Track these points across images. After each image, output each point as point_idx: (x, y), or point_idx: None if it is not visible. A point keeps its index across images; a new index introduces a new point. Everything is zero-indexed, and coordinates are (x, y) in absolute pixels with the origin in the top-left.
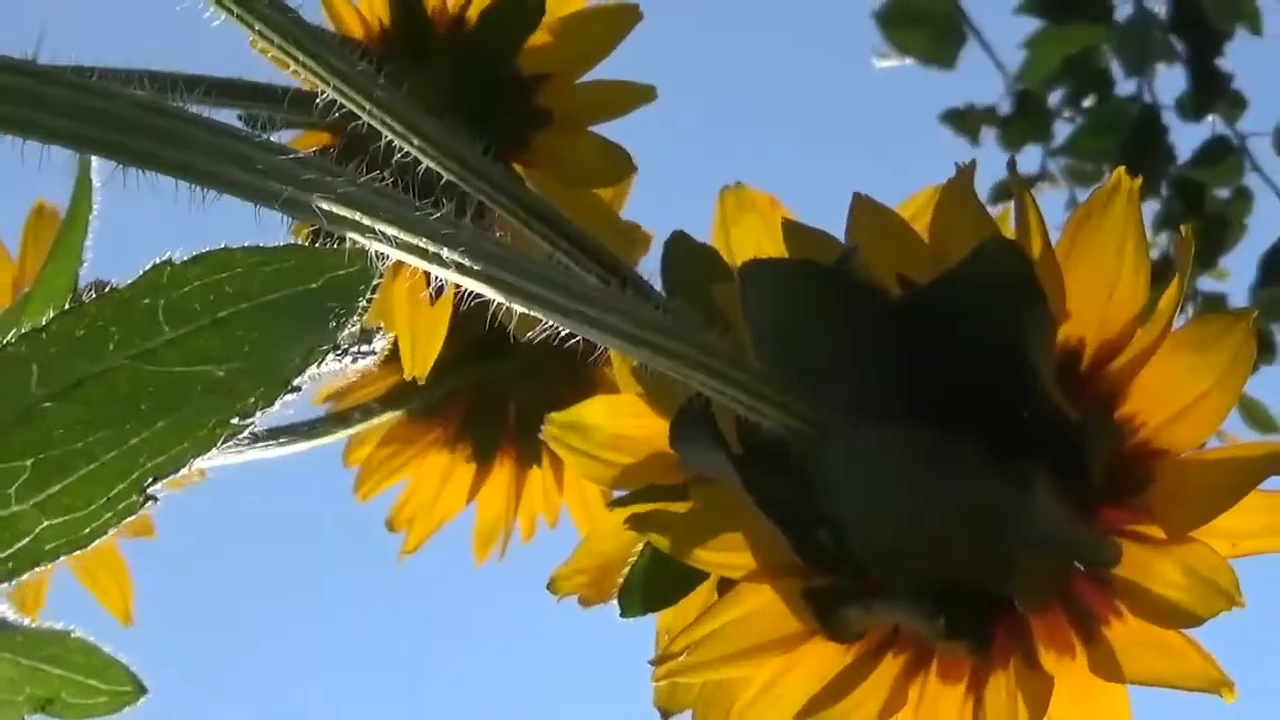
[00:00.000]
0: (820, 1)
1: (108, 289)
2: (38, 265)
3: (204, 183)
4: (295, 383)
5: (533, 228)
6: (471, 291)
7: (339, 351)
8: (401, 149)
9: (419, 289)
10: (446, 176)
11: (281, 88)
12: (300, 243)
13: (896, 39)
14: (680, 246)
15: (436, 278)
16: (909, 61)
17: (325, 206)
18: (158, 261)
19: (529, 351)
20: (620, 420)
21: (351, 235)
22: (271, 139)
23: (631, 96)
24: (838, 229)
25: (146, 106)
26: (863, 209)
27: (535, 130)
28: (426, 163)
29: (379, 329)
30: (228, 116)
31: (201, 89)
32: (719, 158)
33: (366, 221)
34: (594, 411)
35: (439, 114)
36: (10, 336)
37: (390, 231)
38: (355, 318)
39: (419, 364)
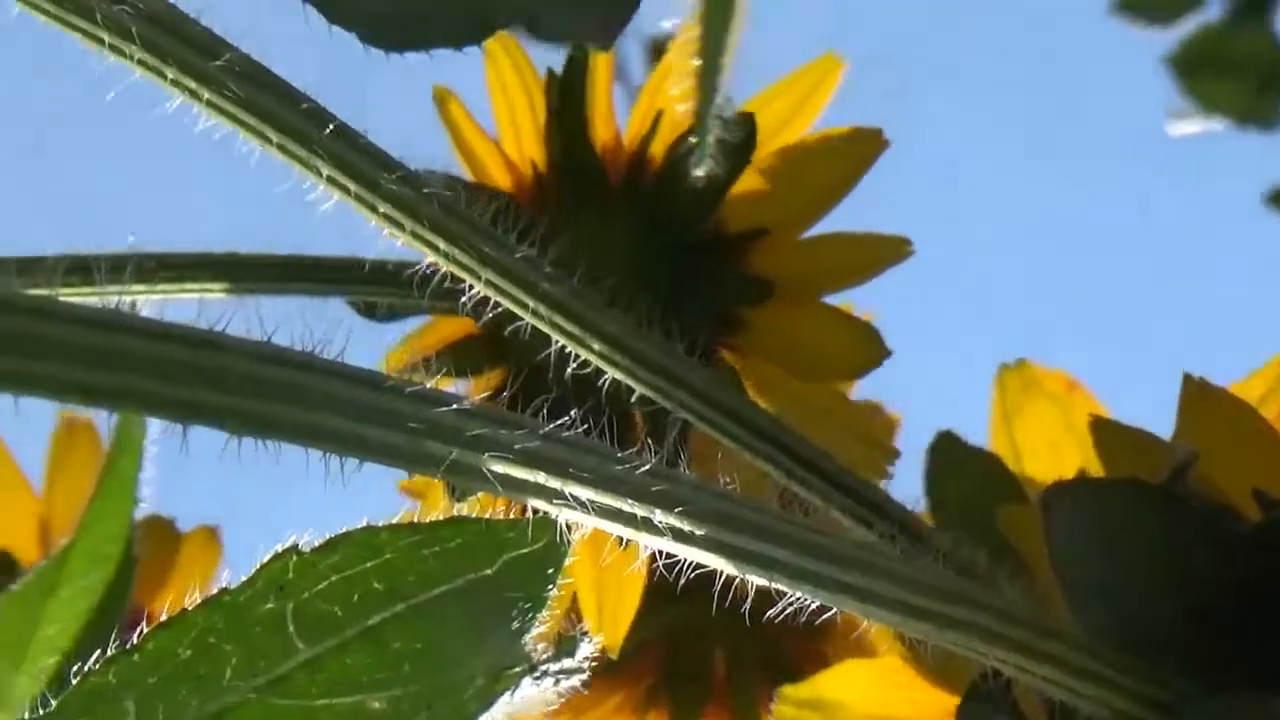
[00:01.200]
0: (1094, 46)
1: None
2: (71, 499)
3: (340, 449)
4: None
5: (756, 450)
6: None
7: (535, 674)
8: (577, 357)
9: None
10: (638, 389)
11: (410, 268)
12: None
13: (1200, 92)
14: (948, 452)
15: None
16: (1217, 123)
17: (500, 469)
18: (279, 549)
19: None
20: (877, 695)
21: (535, 502)
22: (424, 385)
23: (882, 252)
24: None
25: (259, 357)
26: (1197, 397)
27: (750, 307)
28: (611, 373)
29: (582, 632)
30: (337, 305)
31: (302, 271)
32: (965, 281)
33: (554, 484)
34: (840, 684)
35: (616, 291)
36: (94, 661)
37: (585, 495)
38: (543, 611)
39: (611, 631)
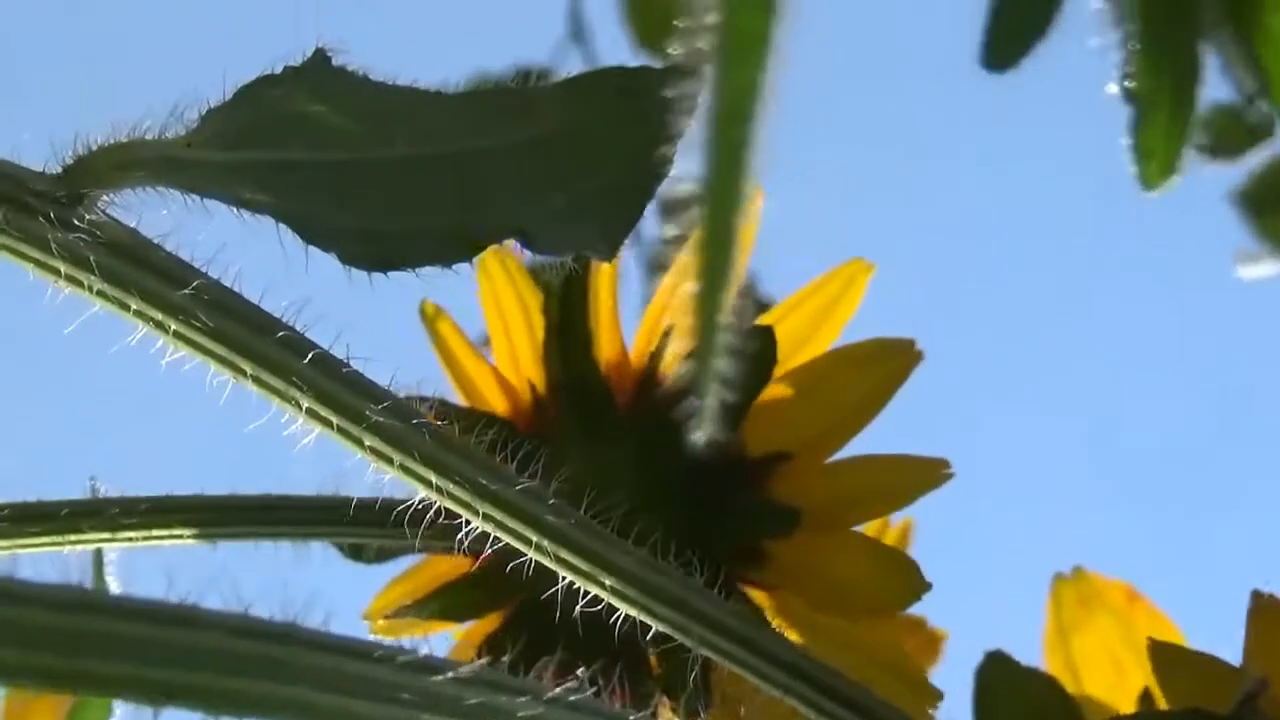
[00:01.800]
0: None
1: None
2: None
3: None
4: None
5: (787, 688)
6: None
7: None
8: (586, 593)
9: None
10: (655, 625)
11: (400, 505)
12: None
13: (1271, 230)
14: (1000, 674)
15: None
16: None
17: None
18: None
19: None
20: None
21: None
22: (417, 652)
23: (919, 476)
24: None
25: (236, 631)
26: (1266, 614)
27: (774, 538)
28: (624, 609)
29: None
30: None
31: (281, 513)
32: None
33: None
34: None
35: (627, 522)
36: None
37: None
38: None
39: None
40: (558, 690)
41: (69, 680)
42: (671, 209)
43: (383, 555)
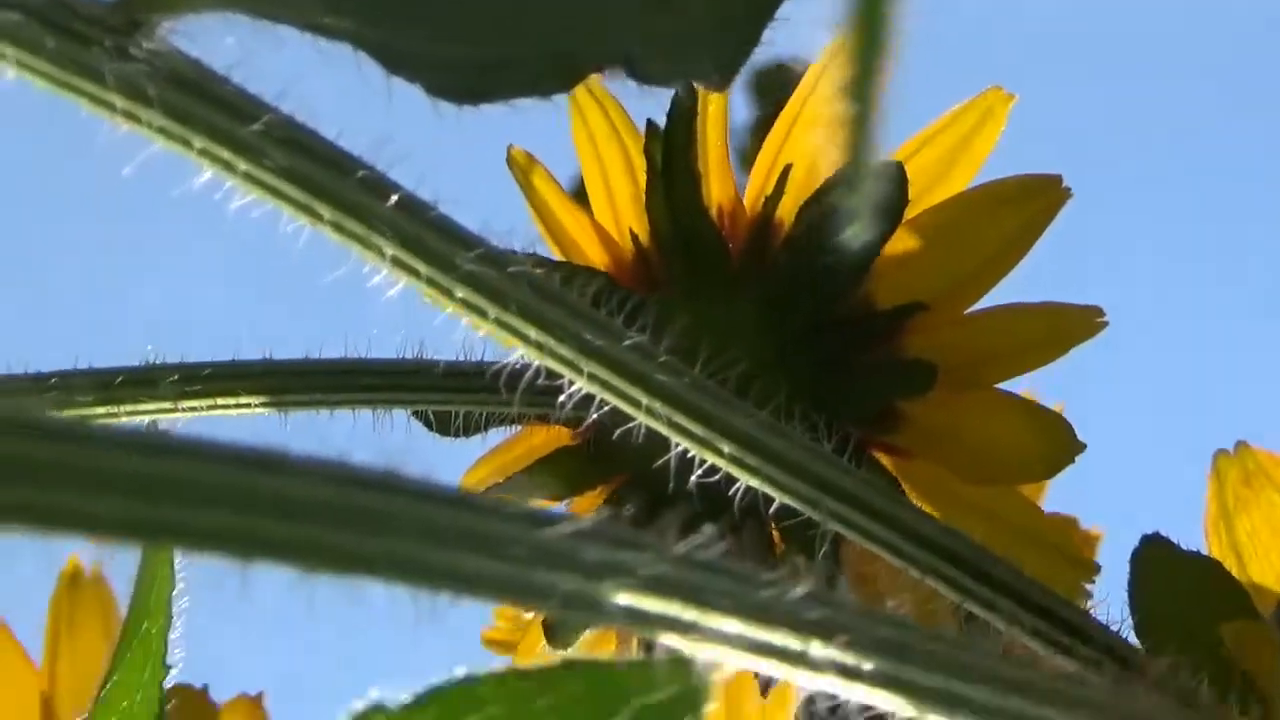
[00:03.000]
0: None
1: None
2: (80, 670)
3: (432, 584)
4: None
5: (926, 566)
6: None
7: None
8: (702, 462)
9: (745, 682)
10: (779, 497)
11: (490, 369)
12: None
13: None
14: (1158, 560)
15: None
16: None
17: (625, 601)
18: (362, 708)
19: None
20: None
21: (667, 639)
22: (530, 508)
23: (1068, 327)
24: None
25: (331, 479)
26: None
27: (908, 398)
28: (745, 479)
29: None
30: (402, 425)
31: (359, 378)
32: None
33: (690, 616)
34: None
35: (746, 382)
36: None
37: (728, 627)
38: None
39: None
40: (684, 547)
41: (148, 531)
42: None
43: (471, 427)
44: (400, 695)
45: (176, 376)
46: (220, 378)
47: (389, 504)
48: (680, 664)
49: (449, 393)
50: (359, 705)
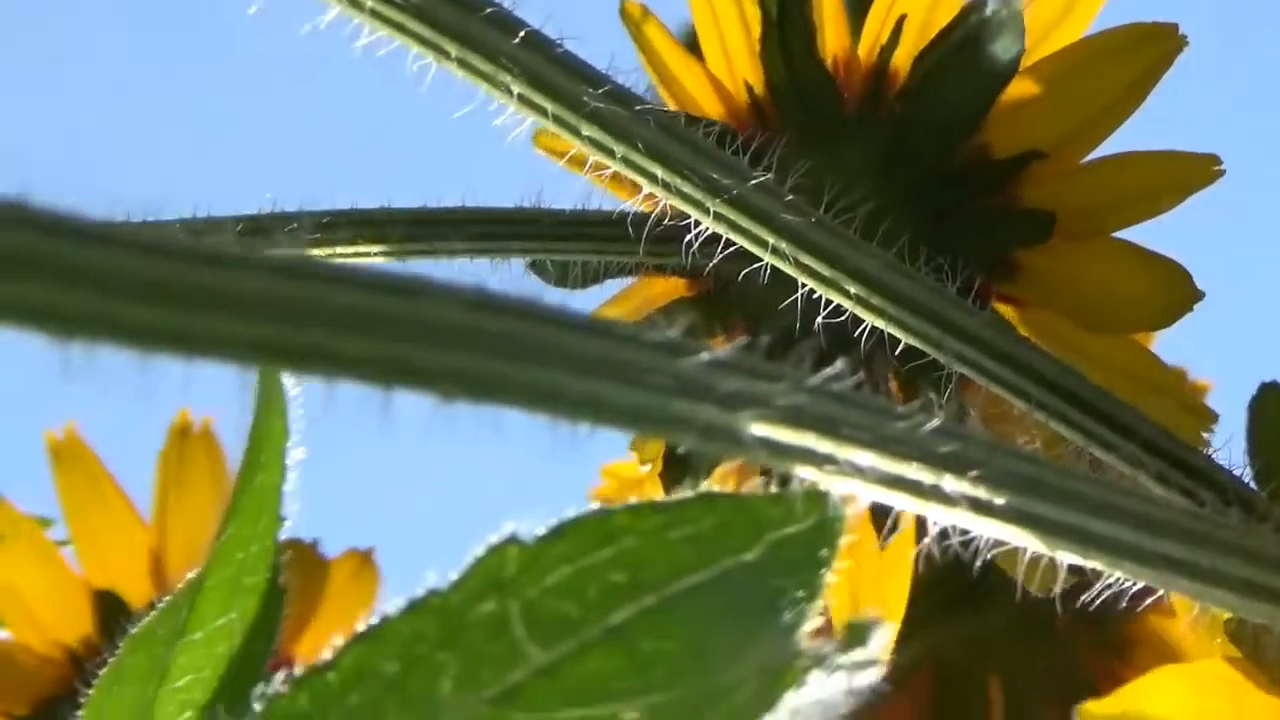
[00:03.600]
0: None
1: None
2: (188, 525)
3: (573, 413)
4: None
5: (1049, 408)
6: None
7: (824, 668)
8: (827, 304)
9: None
10: (904, 338)
11: (608, 216)
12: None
13: None
14: (1277, 407)
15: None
16: None
17: (762, 431)
18: (495, 541)
19: (1027, 598)
20: (1200, 704)
21: (802, 471)
22: (669, 336)
23: (1186, 174)
24: None
25: (475, 305)
26: None
27: (1025, 247)
28: (870, 320)
29: (870, 623)
30: (520, 277)
31: (478, 225)
32: None
33: (825, 448)
34: (1154, 695)
35: (870, 224)
36: (280, 684)
37: (862, 460)
38: (817, 602)
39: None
40: (819, 378)
41: (289, 356)
42: None
43: (588, 278)
44: (534, 528)
45: (295, 225)
46: (339, 225)
47: (530, 330)
48: (815, 497)
49: (568, 241)
50: (493, 539)
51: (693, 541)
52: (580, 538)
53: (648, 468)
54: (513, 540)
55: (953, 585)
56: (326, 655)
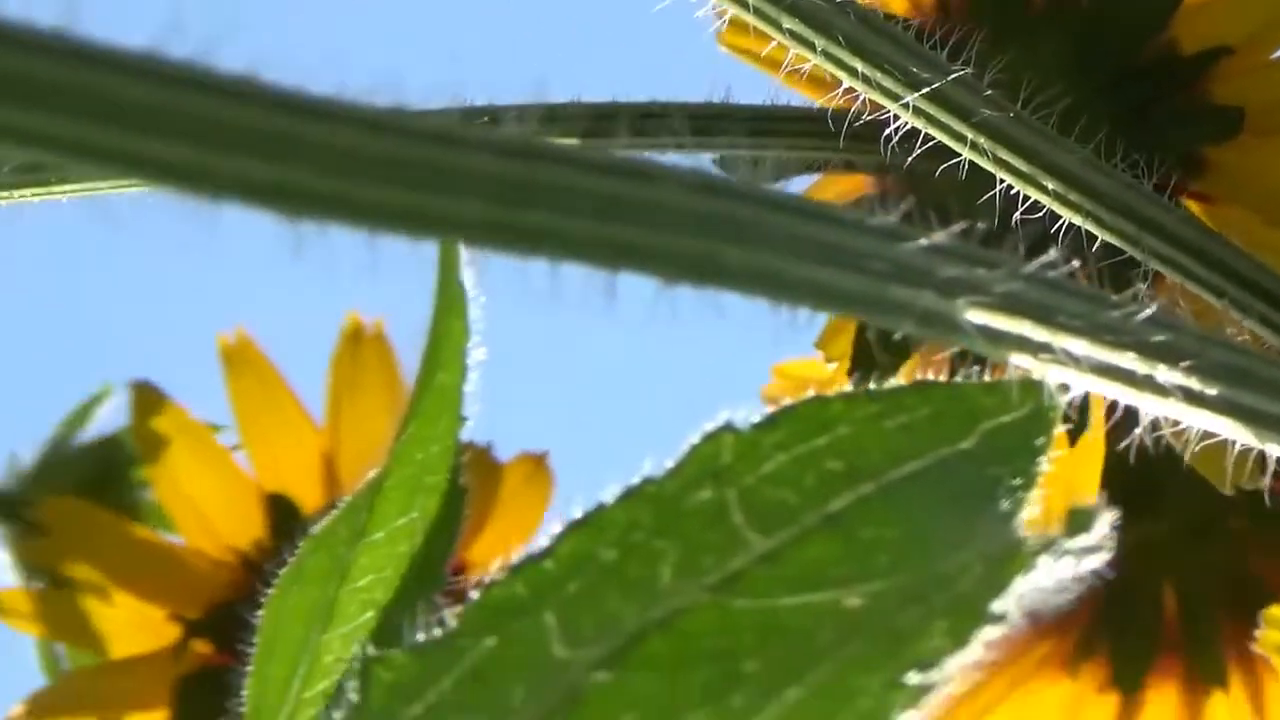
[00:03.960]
0: None
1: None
2: (361, 428)
3: (793, 297)
4: (996, 609)
5: (1249, 309)
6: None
7: (1054, 553)
8: (1024, 199)
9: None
10: (1101, 235)
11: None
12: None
13: None
14: None
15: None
16: None
17: (978, 318)
18: (710, 429)
19: (1196, 501)
20: None
21: (1017, 358)
22: (889, 222)
23: None
24: None
25: (699, 188)
26: None
27: (1214, 144)
28: (1067, 216)
29: (1093, 509)
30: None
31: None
32: None
33: (1040, 336)
34: None
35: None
36: (495, 573)
37: (1076, 348)
38: (1033, 491)
39: None
40: (1034, 266)
41: (516, 236)
42: None
43: (777, 174)
44: (750, 416)
45: (486, 119)
46: (526, 120)
47: (752, 214)
48: (1030, 386)
49: (760, 137)
50: (709, 426)
51: (908, 430)
52: (796, 426)
53: (834, 365)
54: (728, 428)
55: (1119, 490)
56: (543, 542)
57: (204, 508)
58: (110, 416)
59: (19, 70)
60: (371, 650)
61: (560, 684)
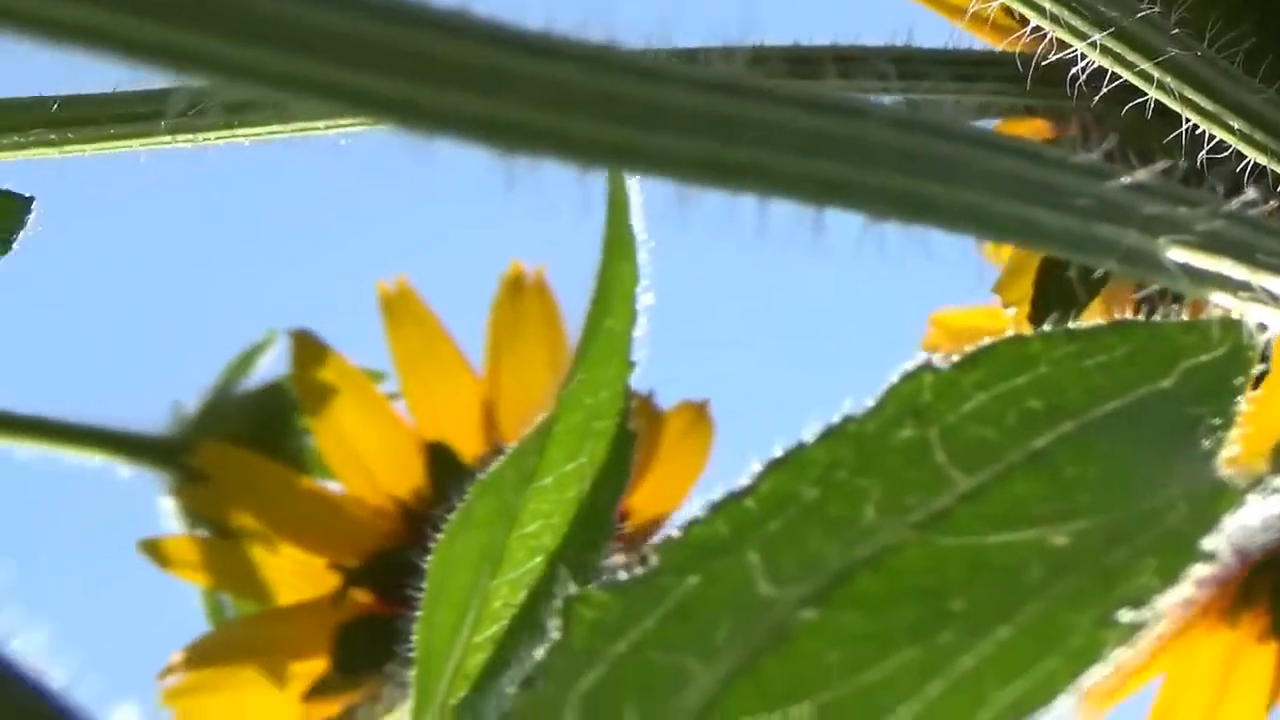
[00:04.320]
0: None
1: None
2: (521, 377)
3: (999, 234)
4: (1206, 546)
5: None
6: None
7: (1262, 488)
8: (1209, 139)
9: None
10: None
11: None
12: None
13: None
14: None
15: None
16: None
17: (1180, 256)
18: (910, 368)
19: None
20: None
21: (1218, 297)
22: (1093, 160)
23: None
24: None
25: (906, 125)
26: None
27: None
28: (1253, 156)
29: None
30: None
31: (845, 64)
32: None
33: (1241, 274)
34: None
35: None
36: (698, 512)
37: (1276, 287)
38: (1234, 430)
39: None
40: (1235, 205)
41: (725, 172)
42: None
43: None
44: (950, 356)
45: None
46: (732, 62)
47: (959, 152)
48: (1230, 325)
49: (962, 81)
50: (909, 365)
51: (1107, 369)
52: (995, 365)
53: (1012, 311)
54: (927, 367)
55: None
56: (745, 481)
57: (364, 456)
58: (272, 365)
59: (239, 8)
60: (573, 588)
61: (766, 621)
